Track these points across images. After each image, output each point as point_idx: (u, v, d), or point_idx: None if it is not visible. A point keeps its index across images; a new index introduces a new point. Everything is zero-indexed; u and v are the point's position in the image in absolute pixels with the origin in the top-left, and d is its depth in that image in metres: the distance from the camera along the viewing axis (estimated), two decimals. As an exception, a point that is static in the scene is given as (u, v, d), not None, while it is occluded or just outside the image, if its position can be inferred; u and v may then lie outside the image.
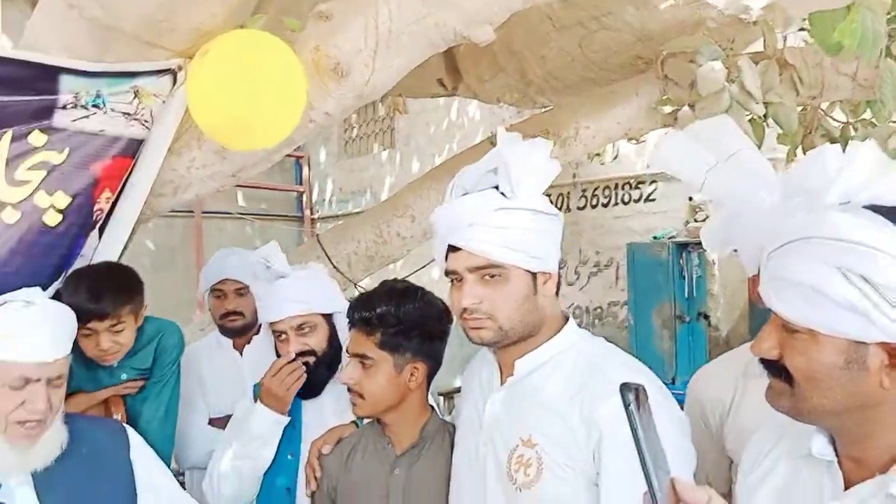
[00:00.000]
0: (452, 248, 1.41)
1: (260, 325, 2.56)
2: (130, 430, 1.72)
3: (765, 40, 2.89)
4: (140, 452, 1.68)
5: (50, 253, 1.82)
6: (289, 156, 8.91)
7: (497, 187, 1.39)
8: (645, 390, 0.87)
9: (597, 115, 3.24)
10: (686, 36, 2.98)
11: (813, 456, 0.98)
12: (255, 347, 2.58)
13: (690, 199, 5.26)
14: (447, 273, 1.44)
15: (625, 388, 0.85)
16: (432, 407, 1.74)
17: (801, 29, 2.98)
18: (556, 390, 1.37)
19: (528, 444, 1.35)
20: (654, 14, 2.92)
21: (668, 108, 3.16)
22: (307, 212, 9.04)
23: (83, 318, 1.76)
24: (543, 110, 3.71)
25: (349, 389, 1.65)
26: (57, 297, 1.79)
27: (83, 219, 1.86)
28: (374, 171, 8.36)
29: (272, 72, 1.81)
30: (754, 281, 1.31)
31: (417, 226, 3.38)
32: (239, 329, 2.56)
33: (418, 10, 1.90)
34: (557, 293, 1.48)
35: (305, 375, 1.89)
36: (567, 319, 1.47)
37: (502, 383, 1.46)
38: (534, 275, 1.39)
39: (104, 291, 1.85)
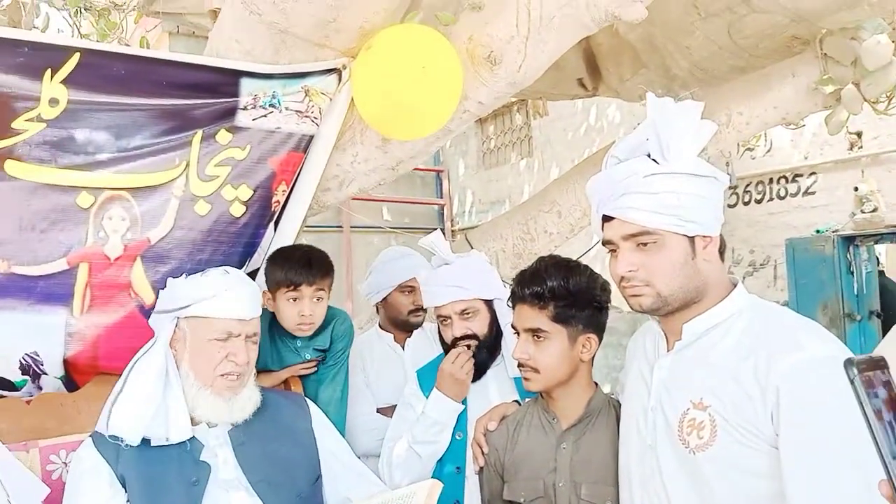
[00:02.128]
0: (607, 218, 1.40)
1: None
2: (310, 402, 1.87)
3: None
4: (320, 421, 1.82)
5: (236, 242, 2.00)
6: (429, 170, 9.20)
7: (649, 154, 1.38)
8: (881, 362, 0.77)
9: (750, 100, 3.11)
10: (846, 12, 2.81)
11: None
12: (415, 340, 2.69)
13: (856, 189, 4.89)
14: (604, 243, 1.44)
15: (849, 363, 0.76)
16: (595, 383, 1.73)
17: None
18: (727, 351, 1.33)
19: (700, 407, 1.32)
20: (808, -8, 2.77)
21: (829, 88, 2.97)
22: (448, 223, 9.26)
23: (294, 283, 2.00)
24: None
25: (521, 365, 1.67)
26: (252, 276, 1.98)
27: (263, 210, 2.02)
28: (512, 181, 8.42)
29: (430, 62, 1.90)
30: None
31: (564, 221, 3.37)
32: (420, 324, 2.68)
33: (569, -8, 1.92)
34: (723, 258, 1.44)
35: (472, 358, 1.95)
36: (735, 285, 1.42)
37: (669, 349, 1.44)
38: (691, 239, 1.35)
39: (314, 260, 2.06)
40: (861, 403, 0.75)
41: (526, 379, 1.67)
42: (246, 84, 1.94)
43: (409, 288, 2.63)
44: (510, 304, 1.75)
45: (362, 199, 7.67)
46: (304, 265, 2.03)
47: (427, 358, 2.56)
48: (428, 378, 2.06)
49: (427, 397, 2.00)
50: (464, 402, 1.99)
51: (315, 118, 2.04)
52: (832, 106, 3.03)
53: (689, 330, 1.39)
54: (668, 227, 1.33)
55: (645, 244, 1.35)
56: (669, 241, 1.34)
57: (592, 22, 1.98)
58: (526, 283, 1.65)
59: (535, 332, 1.63)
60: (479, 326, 1.99)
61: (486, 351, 2.00)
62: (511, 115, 8.57)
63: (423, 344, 2.66)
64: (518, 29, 1.98)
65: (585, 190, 1.51)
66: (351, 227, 8.27)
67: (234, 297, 1.65)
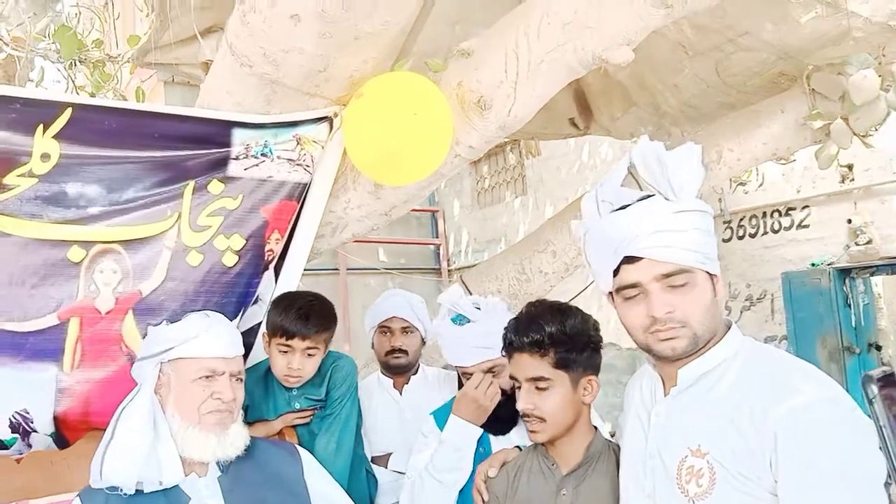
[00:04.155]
0: (630, 260, 1.34)
1: (419, 366, 2.65)
2: (301, 450, 1.83)
3: (920, 44, 2.71)
4: (311, 468, 1.78)
5: (229, 292, 1.99)
6: (424, 210, 9.23)
7: (646, 197, 1.36)
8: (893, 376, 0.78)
9: (741, 137, 3.13)
10: (831, 47, 2.85)
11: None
12: (414, 387, 2.63)
13: (850, 221, 4.91)
14: (621, 289, 1.36)
15: (867, 379, 0.76)
16: (595, 427, 1.71)
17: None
18: (723, 396, 1.30)
19: (698, 454, 1.29)
20: (794, 29, 2.79)
21: (818, 123, 3.00)
22: (444, 263, 9.25)
23: (287, 335, 1.95)
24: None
25: (526, 416, 1.63)
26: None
27: (256, 259, 2.02)
28: (507, 219, 8.45)
29: (421, 109, 1.91)
30: None
31: (559, 261, 3.36)
32: (403, 366, 2.60)
33: (557, 37, 1.94)
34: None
35: (499, 396, 1.93)
36: (730, 327, 1.41)
37: (666, 394, 1.42)
38: (712, 277, 1.34)
39: (312, 315, 1.98)
40: (883, 423, 0.73)
41: (532, 431, 1.63)
42: (238, 134, 1.95)
43: (385, 328, 2.58)
44: (504, 353, 1.71)
45: (358, 241, 7.67)
46: (300, 318, 1.96)
47: (426, 403, 2.52)
48: (445, 419, 2.01)
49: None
50: (488, 453, 1.94)
51: (307, 166, 2.04)
52: (822, 140, 3.05)
53: (685, 375, 1.36)
54: (700, 265, 1.32)
55: (679, 284, 1.31)
56: (700, 279, 1.32)
57: (580, 65, 2.00)
58: (523, 332, 1.61)
59: (537, 381, 1.60)
60: (507, 381, 1.92)
61: (514, 404, 1.85)
62: (504, 155, 8.64)
63: (423, 391, 2.61)
64: (507, 74, 2.00)
65: (591, 235, 1.44)
66: (347, 269, 8.25)
67: (215, 335, 1.65)
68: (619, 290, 1.38)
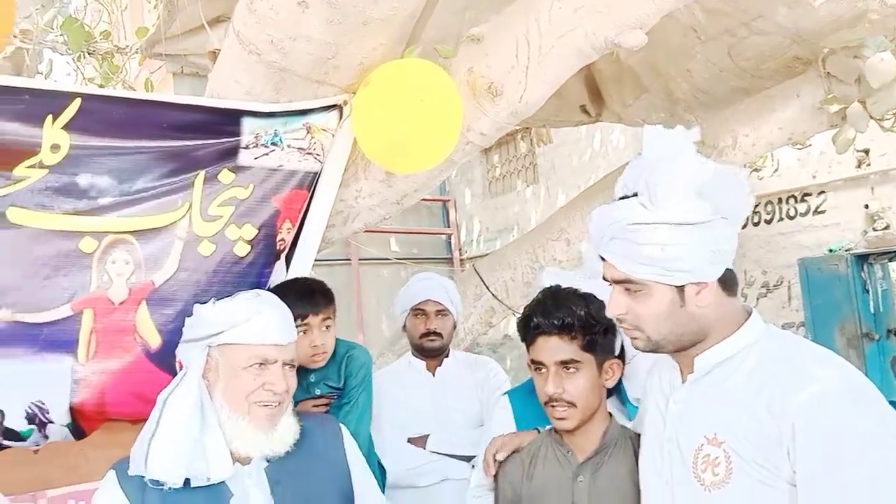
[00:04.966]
0: (601, 256, 1.38)
1: (449, 349, 2.67)
2: (344, 429, 1.74)
3: (936, 25, 2.66)
4: (353, 451, 1.71)
5: (241, 282, 1.98)
6: (436, 200, 9.22)
7: (636, 195, 1.31)
8: None
9: (755, 122, 3.10)
10: (847, 30, 2.80)
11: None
12: (446, 369, 2.65)
13: (867, 206, 4.85)
14: (603, 278, 1.41)
15: None
16: (610, 413, 1.69)
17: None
18: (740, 385, 1.28)
19: (714, 443, 1.27)
20: (808, 12, 2.75)
21: (834, 107, 2.96)
22: (456, 253, 9.24)
23: (301, 316, 1.94)
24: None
25: (555, 401, 1.60)
26: None
27: (268, 249, 2.01)
28: (518, 208, 8.42)
29: (430, 95, 1.89)
30: None
31: (573, 249, 3.35)
32: (437, 349, 2.61)
33: (568, 21, 1.92)
34: (734, 293, 1.38)
35: None
36: (750, 314, 1.38)
37: (683, 381, 1.40)
38: (680, 287, 1.30)
39: (313, 289, 2.05)
40: None
41: (561, 419, 1.60)
42: (247, 123, 1.93)
43: (420, 311, 2.58)
44: (527, 336, 1.67)
45: (370, 232, 7.67)
46: (307, 296, 2.01)
47: (459, 385, 2.53)
48: (520, 400, 1.99)
49: (517, 421, 1.93)
50: None
51: (318, 155, 2.03)
52: (838, 125, 3.01)
53: (701, 363, 1.35)
54: (651, 278, 1.29)
55: (631, 290, 1.33)
56: (656, 290, 1.31)
57: (592, 50, 1.97)
58: (551, 314, 1.60)
59: (567, 365, 1.59)
60: None
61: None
62: (515, 143, 8.60)
63: (455, 372, 2.63)
64: (518, 59, 1.98)
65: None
66: (359, 259, 8.26)
67: (267, 320, 1.53)
68: (603, 278, 1.41)
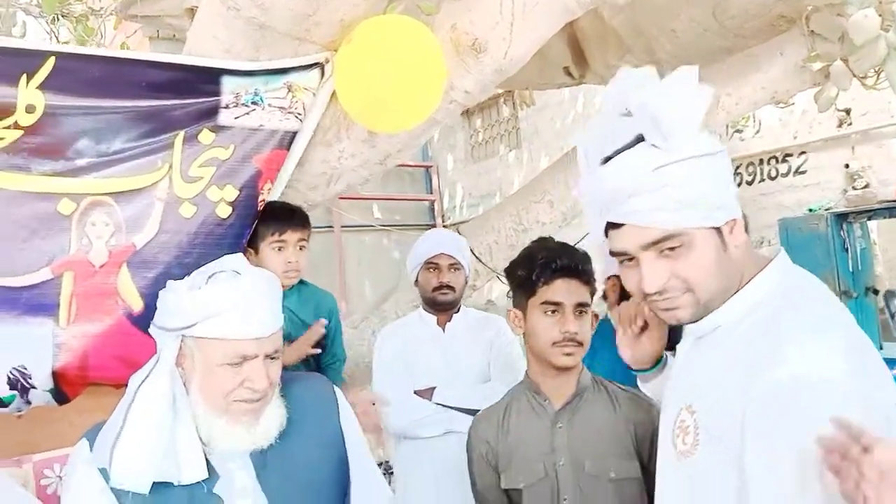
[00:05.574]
0: (613, 226, 1.17)
1: (460, 305, 2.69)
2: (339, 392, 1.57)
3: (920, -19, 2.66)
4: (345, 411, 1.55)
5: (222, 243, 1.96)
6: (418, 166, 9.16)
7: (642, 137, 1.14)
8: None
9: (738, 81, 3.08)
10: (831, -13, 2.78)
11: None
12: (456, 324, 2.66)
13: (847, 165, 4.88)
14: (613, 254, 1.20)
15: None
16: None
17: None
18: (721, 354, 1.16)
19: (689, 411, 1.18)
20: (793, -31, 2.74)
21: (818, 65, 2.96)
22: (439, 219, 9.22)
23: (280, 230, 2.07)
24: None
25: (562, 341, 1.61)
26: None
27: (249, 210, 1.99)
28: (501, 173, 8.39)
29: (412, 53, 1.86)
30: None
31: (556, 210, 3.34)
32: (449, 303, 2.62)
33: (553, -25, 1.89)
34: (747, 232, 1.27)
35: None
36: (765, 267, 1.19)
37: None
38: (718, 229, 1.13)
39: (293, 210, 2.15)
40: None
41: (568, 354, 1.62)
42: (227, 82, 1.90)
43: (433, 265, 2.59)
44: (540, 281, 1.62)
45: (352, 198, 7.63)
46: (286, 214, 2.10)
47: (469, 340, 2.54)
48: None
49: None
50: None
51: (299, 114, 2.00)
52: (821, 83, 3.01)
53: (691, 328, 1.23)
54: (697, 223, 1.11)
55: (671, 249, 1.12)
56: (699, 238, 1.12)
57: (577, 5, 1.95)
58: (569, 257, 1.63)
59: (582, 307, 1.63)
60: None
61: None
62: (498, 107, 8.54)
63: (465, 327, 2.65)
64: (502, 15, 1.95)
65: (576, 195, 1.42)
66: (342, 226, 8.21)
67: (248, 310, 1.32)
68: (611, 254, 1.22)
